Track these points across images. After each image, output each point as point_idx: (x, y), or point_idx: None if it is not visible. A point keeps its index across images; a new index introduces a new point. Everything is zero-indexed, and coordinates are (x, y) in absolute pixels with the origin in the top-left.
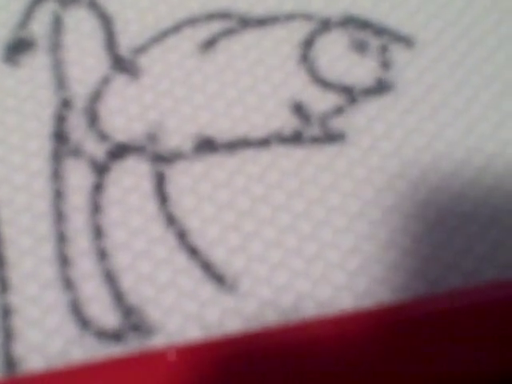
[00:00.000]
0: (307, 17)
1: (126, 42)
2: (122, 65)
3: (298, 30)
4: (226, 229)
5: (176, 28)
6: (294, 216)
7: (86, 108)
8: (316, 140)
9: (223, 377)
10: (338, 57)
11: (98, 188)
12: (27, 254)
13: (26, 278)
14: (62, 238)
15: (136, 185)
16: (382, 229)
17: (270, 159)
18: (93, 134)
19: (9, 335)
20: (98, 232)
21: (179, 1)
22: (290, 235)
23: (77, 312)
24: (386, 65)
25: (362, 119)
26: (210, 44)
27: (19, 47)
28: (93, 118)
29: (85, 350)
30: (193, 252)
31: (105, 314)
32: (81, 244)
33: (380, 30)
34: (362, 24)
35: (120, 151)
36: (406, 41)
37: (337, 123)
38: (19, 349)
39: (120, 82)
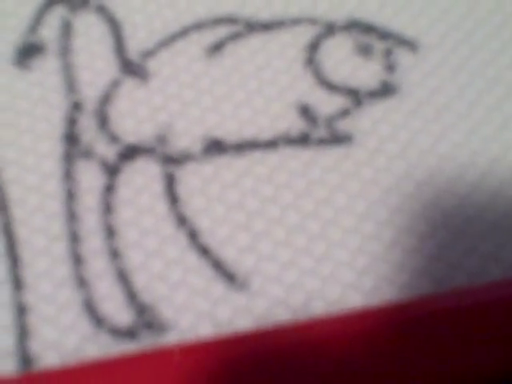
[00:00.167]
0: (312, 21)
1: (134, 46)
2: (131, 68)
3: (304, 34)
4: (236, 228)
5: (183, 32)
6: (302, 216)
7: (96, 110)
8: (323, 142)
9: (234, 374)
10: (343, 60)
11: (109, 189)
12: (41, 254)
13: (40, 276)
14: (74, 238)
15: (147, 185)
16: (388, 229)
17: (277, 160)
18: (103, 136)
19: (24, 333)
20: (110, 232)
21: (186, 6)
22: (298, 235)
23: (91, 310)
24: (390, 68)
25: (368, 121)
26: (217, 48)
27: (30, 51)
28: (103, 120)
29: (99, 347)
30: (204, 251)
31: (118, 312)
32: (93, 243)
33: (384, 34)
34: (367, 28)
35: (130, 153)
36: (409, 44)
37: (343, 125)
38: (35, 346)
39: (129, 85)
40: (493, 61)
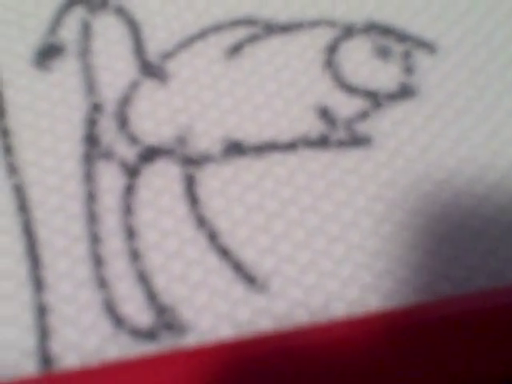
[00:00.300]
0: (331, 23)
1: (153, 48)
2: (151, 70)
3: (322, 36)
4: (256, 230)
5: (202, 34)
6: (321, 218)
7: (116, 112)
8: (342, 144)
9: (254, 375)
10: (361, 62)
11: (129, 190)
12: (61, 255)
13: (61, 277)
14: (95, 239)
15: (166, 187)
16: (407, 231)
17: (297, 162)
18: (123, 137)
19: (45, 333)
20: (130, 233)
21: (205, 8)
22: (318, 237)
23: (111, 311)
24: (409, 70)
25: (387, 123)
26: (235, 50)
27: (50, 53)
28: (123, 121)
29: (119, 348)
30: (224, 253)
31: (138, 313)
32: (114, 244)
33: (403, 37)
34: (385, 30)
35: (150, 154)
36: (428, 47)
37: (362, 127)
38: (55, 347)
39: (149, 86)
40: (511, 64)
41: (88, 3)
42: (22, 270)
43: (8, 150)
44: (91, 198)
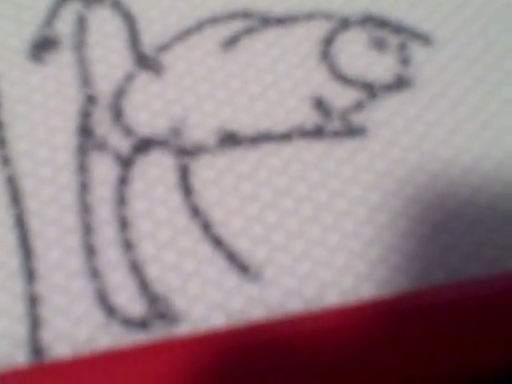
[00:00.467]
0: (327, 16)
1: (149, 41)
2: (146, 62)
3: (318, 29)
4: (250, 220)
5: (198, 27)
6: (316, 207)
7: (111, 104)
8: (337, 134)
9: (247, 364)
10: (357, 54)
11: (123, 181)
12: (54, 245)
13: (53, 267)
14: (88, 229)
15: (160, 177)
16: (402, 219)
17: (292, 153)
18: (117, 129)
19: (37, 323)
20: (123, 223)
21: (201, 1)
22: (312, 226)
23: (103, 300)
24: (404, 62)
25: (383, 114)
26: (231, 42)
27: (45, 45)
28: (117, 113)
29: (111, 338)
30: (217, 242)
31: (131, 303)
32: (107, 235)
33: (398, 28)
34: (381, 22)
35: (144, 145)
36: (424, 38)
37: (357, 118)
38: (47, 336)
39: (143, 78)
40: (507, 54)
41: None
42: (13, 260)
43: (2, 141)
44: (84, 188)
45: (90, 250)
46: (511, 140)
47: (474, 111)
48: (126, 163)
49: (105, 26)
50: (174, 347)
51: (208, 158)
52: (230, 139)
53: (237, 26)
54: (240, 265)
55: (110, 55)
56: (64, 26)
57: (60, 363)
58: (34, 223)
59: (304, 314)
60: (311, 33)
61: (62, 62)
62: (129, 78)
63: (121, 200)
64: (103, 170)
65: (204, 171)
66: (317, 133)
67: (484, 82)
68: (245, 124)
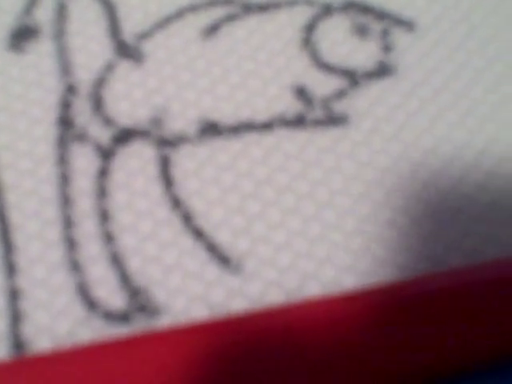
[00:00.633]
0: (309, 2)
1: (129, 29)
2: (126, 51)
3: (300, 15)
4: (231, 211)
5: (179, 14)
6: (297, 198)
7: (91, 93)
8: (319, 123)
9: (228, 356)
10: (339, 41)
11: (103, 172)
12: (34, 238)
13: (34, 261)
14: (68, 222)
15: (141, 168)
16: (384, 210)
17: (273, 142)
18: (98, 119)
19: (17, 317)
20: (104, 215)
21: None
22: (293, 217)
23: (84, 294)
24: (387, 48)
25: (364, 102)
26: (212, 29)
27: (24, 34)
28: (97, 103)
29: (92, 331)
30: (198, 234)
31: (111, 296)
32: (87, 227)
33: (381, 15)
34: (363, 9)
35: (125, 136)
36: (406, 25)
37: (339, 106)
38: (27, 330)
39: (124, 67)
40: (490, 41)
41: None
42: None
43: None
44: (65, 180)
45: (70, 243)
46: (494, 128)
47: (456, 99)
48: (106, 154)
49: (85, 14)
50: (155, 340)
51: (189, 148)
52: (210, 129)
53: (218, 13)
54: (221, 257)
55: (90, 44)
56: (44, 14)
57: (41, 357)
58: (14, 216)
59: (285, 306)
60: (293, 19)
61: (42, 51)
62: (109, 67)
63: (101, 192)
64: (83, 161)
65: (185, 162)
66: (298, 122)
67: (466, 70)
68: (226, 113)
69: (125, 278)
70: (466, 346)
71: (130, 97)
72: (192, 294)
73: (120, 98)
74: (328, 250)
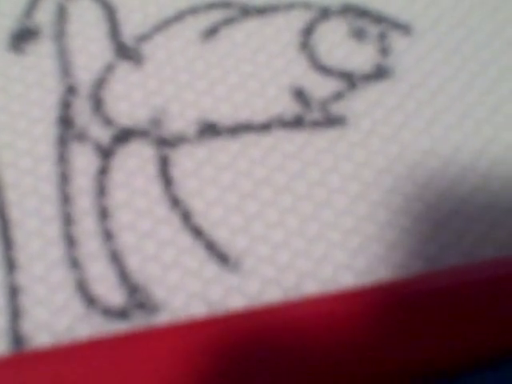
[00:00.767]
0: (307, 6)
1: (129, 31)
2: (126, 52)
3: (298, 19)
4: (229, 210)
5: (178, 17)
6: (295, 197)
7: (91, 94)
8: (317, 124)
9: (226, 353)
10: (337, 44)
11: (103, 171)
12: (34, 236)
13: (33, 258)
14: (68, 220)
15: (141, 168)
16: (381, 209)
17: (271, 143)
18: (97, 119)
19: (17, 313)
20: (103, 213)
21: None
22: (291, 216)
23: (83, 290)
24: (384, 51)
25: (362, 104)
26: (211, 32)
27: (24, 36)
28: (97, 103)
29: (91, 328)
30: (197, 232)
31: (111, 293)
32: (87, 225)
33: (378, 18)
34: (361, 12)
35: (124, 135)
36: (404, 28)
37: (337, 108)
38: (27, 326)
39: (124, 68)
40: (486, 44)
41: None
42: None
43: None
44: (65, 179)
45: (70, 241)
46: (490, 130)
47: (452, 101)
48: (106, 154)
49: (85, 16)
50: (153, 337)
51: (188, 148)
52: (209, 130)
53: (216, 16)
54: (219, 255)
55: (90, 45)
56: (44, 16)
57: (40, 353)
58: (15, 214)
59: (283, 304)
60: (291, 23)
61: (42, 52)
62: (109, 68)
63: (101, 190)
64: (83, 160)
65: (184, 162)
66: (296, 123)
67: (463, 73)
68: (224, 114)
69: (124, 275)
70: (463, 344)
71: (130, 97)
72: (191, 292)
73: (120, 98)
74: (326, 248)
